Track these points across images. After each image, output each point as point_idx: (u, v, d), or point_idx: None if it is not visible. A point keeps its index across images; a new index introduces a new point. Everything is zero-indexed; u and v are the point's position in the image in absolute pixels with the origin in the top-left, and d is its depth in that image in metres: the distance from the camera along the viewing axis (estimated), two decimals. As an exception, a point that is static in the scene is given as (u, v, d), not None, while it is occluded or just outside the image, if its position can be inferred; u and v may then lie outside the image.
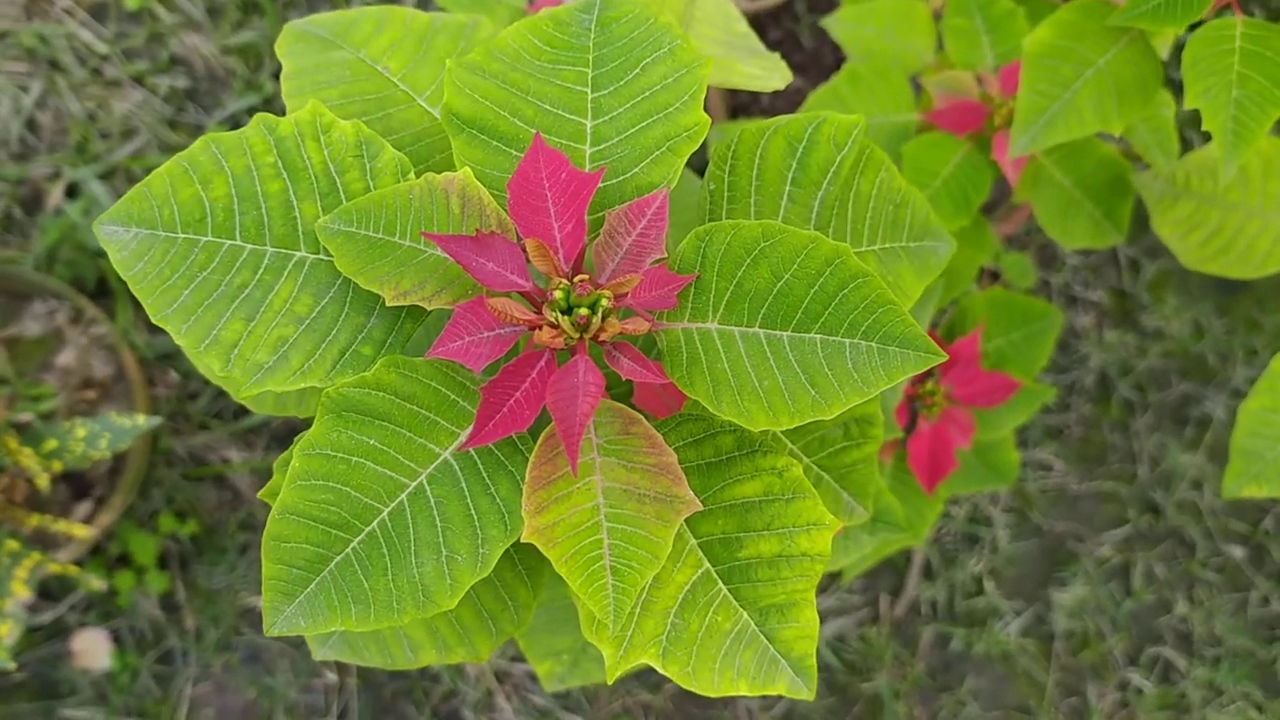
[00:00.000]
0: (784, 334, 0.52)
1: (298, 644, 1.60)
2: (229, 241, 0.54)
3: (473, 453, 0.52)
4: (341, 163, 0.55)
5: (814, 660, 0.56)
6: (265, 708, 1.58)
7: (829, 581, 1.62)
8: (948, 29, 0.99)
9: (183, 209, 0.55)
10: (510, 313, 0.49)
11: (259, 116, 0.56)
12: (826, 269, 0.51)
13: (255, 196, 0.55)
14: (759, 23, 1.51)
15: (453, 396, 0.52)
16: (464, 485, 0.52)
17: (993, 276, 1.54)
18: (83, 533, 1.28)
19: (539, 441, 0.51)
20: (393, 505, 0.51)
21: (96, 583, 1.32)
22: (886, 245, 0.63)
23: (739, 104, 1.45)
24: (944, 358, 0.51)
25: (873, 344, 0.51)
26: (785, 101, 1.46)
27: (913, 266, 0.64)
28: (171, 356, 1.59)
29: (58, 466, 1.24)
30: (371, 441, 0.52)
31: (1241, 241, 0.92)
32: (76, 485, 1.47)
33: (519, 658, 1.61)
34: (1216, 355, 1.70)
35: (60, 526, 1.27)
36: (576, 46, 0.58)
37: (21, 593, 1.22)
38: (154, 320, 0.54)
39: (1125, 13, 0.78)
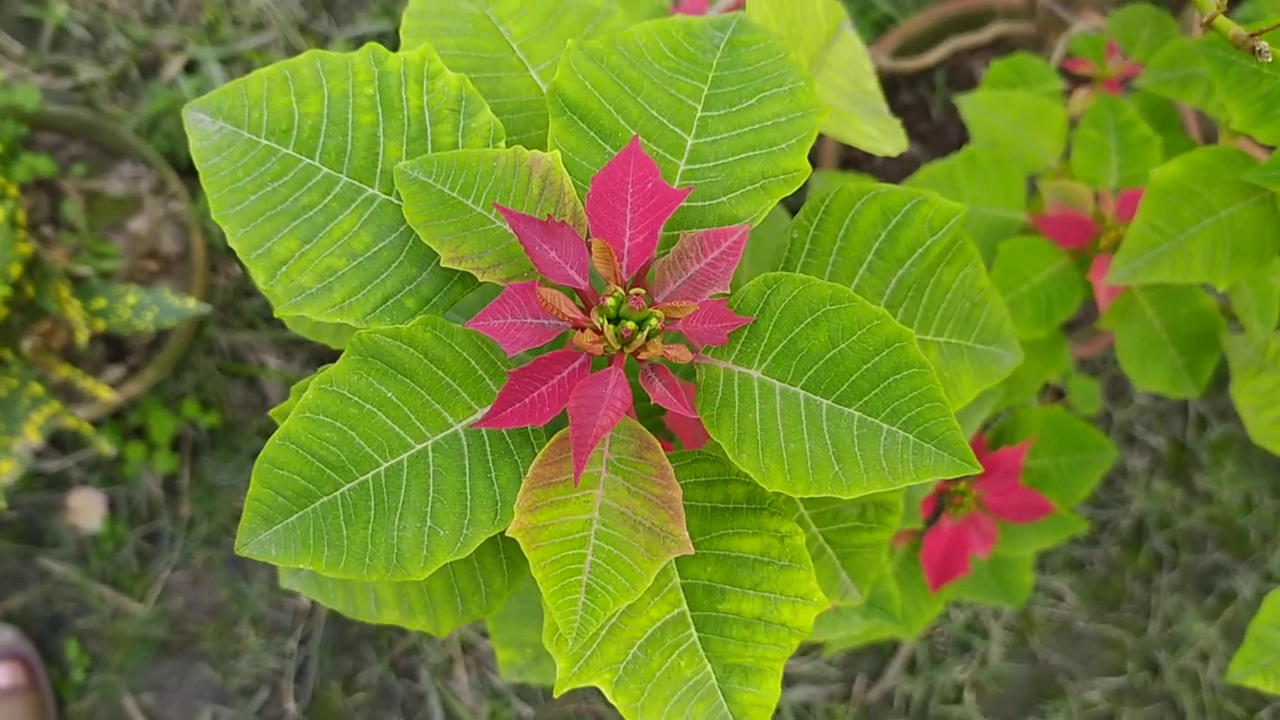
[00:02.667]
0: (824, 401, 0.50)
1: (281, 560, 1.60)
2: (307, 160, 0.54)
3: (483, 433, 0.51)
4: (437, 113, 0.55)
5: (765, 732, 0.54)
6: (234, 612, 1.59)
7: (810, 647, 1.59)
8: (1079, 139, 0.97)
9: (272, 116, 0.54)
10: (558, 306, 0.48)
11: (369, 46, 0.55)
12: (885, 349, 0.50)
13: (345, 123, 0.54)
14: (895, 83, 1.49)
15: (480, 372, 0.51)
16: (466, 462, 0.51)
17: (1057, 394, 1.50)
18: (107, 395, 1.29)
19: (551, 440, 0.50)
20: (391, 462, 0.51)
21: (107, 447, 1.33)
22: (953, 340, 0.61)
23: (852, 157, 1.43)
24: (978, 469, 0.50)
25: (910, 436, 0.50)
26: (899, 166, 1.44)
27: (974, 368, 0.62)
28: (239, 250, 1.60)
29: (100, 326, 1.25)
30: (389, 394, 0.51)
31: (1316, 431, 0.88)
32: (114, 349, 1.49)
33: (488, 634, 1.61)
34: (1260, 534, 1.65)
35: (87, 384, 1.28)
36: (700, 61, 0.56)
37: (32, 437, 1.23)
38: (214, 217, 0.53)
39: (1261, 172, 0.75)
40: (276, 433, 0.50)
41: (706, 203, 0.54)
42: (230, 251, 1.60)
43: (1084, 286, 0.95)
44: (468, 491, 0.51)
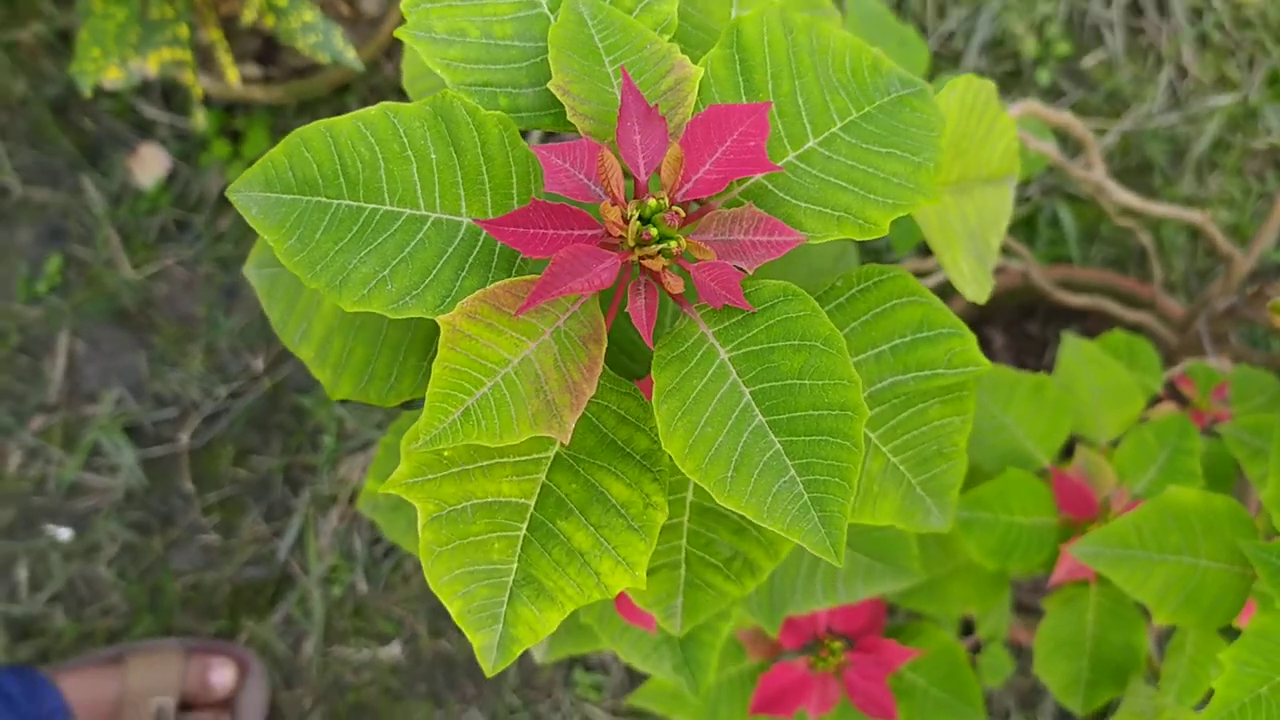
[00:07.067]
0: (760, 417, 0.51)
1: (264, 323, 1.63)
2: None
3: (480, 234, 0.53)
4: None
5: (518, 651, 0.55)
6: (198, 331, 1.62)
7: (620, 688, 1.59)
8: (1135, 435, 0.97)
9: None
10: (610, 175, 0.50)
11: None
12: (837, 410, 0.51)
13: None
14: (1034, 308, 1.50)
15: (514, 189, 0.53)
16: (451, 249, 0.53)
17: (974, 650, 1.49)
18: (234, 79, 1.34)
19: (526, 276, 0.52)
20: (393, 209, 0.53)
21: (201, 122, 1.37)
22: (901, 468, 0.62)
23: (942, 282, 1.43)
24: (839, 563, 0.50)
25: (806, 495, 0.50)
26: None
27: (901, 504, 0.62)
28: (420, 56, 1.65)
29: (269, 21, 1.30)
30: (433, 155, 0.53)
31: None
32: (265, 52, 1.54)
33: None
34: None
35: (225, 59, 1.33)
36: (866, 93, 0.58)
37: (151, 66, 1.28)
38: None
39: (1259, 550, 0.75)
40: (324, 120, 0.53)
41: (785, 196, 0.55)
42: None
43: (1053, 554, 0.95)
44: (433, 272, 0.52)
